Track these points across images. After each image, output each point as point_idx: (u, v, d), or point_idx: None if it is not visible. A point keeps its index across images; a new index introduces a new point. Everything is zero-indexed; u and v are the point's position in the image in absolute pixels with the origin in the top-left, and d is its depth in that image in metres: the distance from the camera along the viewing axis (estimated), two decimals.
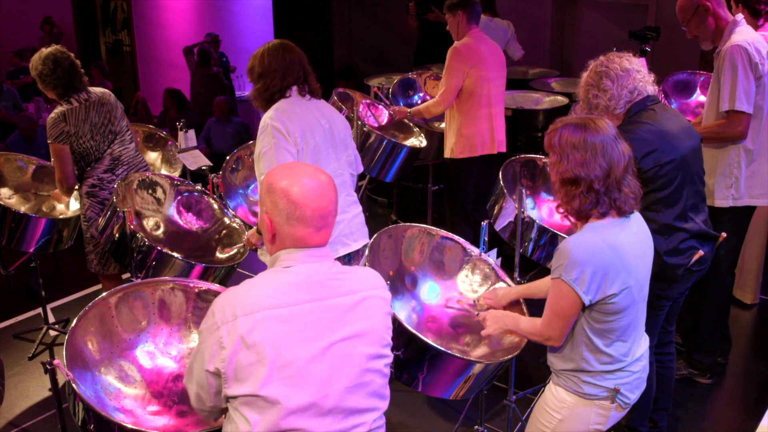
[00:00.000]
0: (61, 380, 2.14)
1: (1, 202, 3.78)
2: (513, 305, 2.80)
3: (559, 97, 5.42)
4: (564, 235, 3.15)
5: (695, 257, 2.79)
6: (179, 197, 3.63)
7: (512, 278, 3.00)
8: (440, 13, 4.77)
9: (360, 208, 3.18)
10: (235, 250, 3.42)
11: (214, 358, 1.68)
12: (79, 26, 10.54)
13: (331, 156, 3.00)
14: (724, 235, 2.87)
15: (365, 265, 2.56)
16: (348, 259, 3.09)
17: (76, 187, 3.68)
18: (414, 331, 2.40)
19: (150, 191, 3.54)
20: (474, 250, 2.97)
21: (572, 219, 2.28)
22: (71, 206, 4.08)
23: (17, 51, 9.00)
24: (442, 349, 2.42)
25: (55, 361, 2.08)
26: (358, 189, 3.33)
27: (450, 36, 4.55)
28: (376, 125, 5.01)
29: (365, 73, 7.16)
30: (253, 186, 4.05)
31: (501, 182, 3.40)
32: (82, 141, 3.54)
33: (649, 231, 2.33)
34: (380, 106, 5.21)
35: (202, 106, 8.01)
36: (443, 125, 4.78)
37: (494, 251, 2.97)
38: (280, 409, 1.66)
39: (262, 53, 2.97)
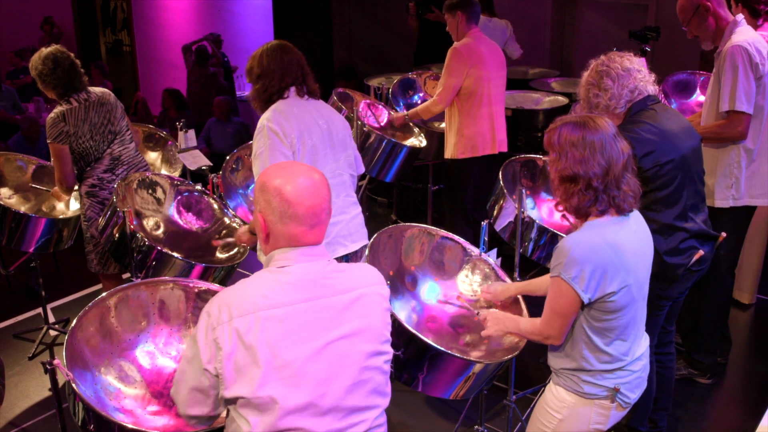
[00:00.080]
0: (61, 380, 2.14)
1: (1, 202, 3.78)
2: (512, 304, 2.80)
3: (559, 97, 5.41)
4: (564, 236, 3.15)
5: (695, 257, 2.79)
6: (179, 197, 3.62)
7: (512, 278, 3.00)
8: (440, 13, 4.77)
9: (359, 209, 3.18)
10: (231, 240, 3.38)
11: (214, 359, 1.67)
12: (79, 26, 10.54)
13: (329, 156, 3.00)
14: (723, 234, 2.87)
15: None
16: (346, 261, 3.09)
17: (76, 186, 3.68)
18: (414, 331, 2.40)
19: (150, 191, 3.54)
20: (474, 250, 2.97)
21: (571, 219, 2.29)
22: (71, 206, 4.08)
23: (17, 51, 9.01)
24: (442, 349, 2.42)
25: (55, 361, 2.08)
26: (357, 189, 3.33)
27: (450, 36, 4.55)
28: (376, 125, 5.01)
29: (365, 73, 7.16)
30: (252, 186, 4.04)
31: (501, 182, 3.40)
32: (81, 141, 3.54)
33: (649, 230, 2.33)
34: (380, 106, 5.21)
35: (199, 105, 8.01)
36: (443, 125, 4.77)
37: (494, 251, 2.97)
38: (278, 409, 1.66)
39: (260, 54, 2.97)
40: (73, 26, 10.51)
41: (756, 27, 3.66)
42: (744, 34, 3.37)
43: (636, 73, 2.66)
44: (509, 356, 2.54)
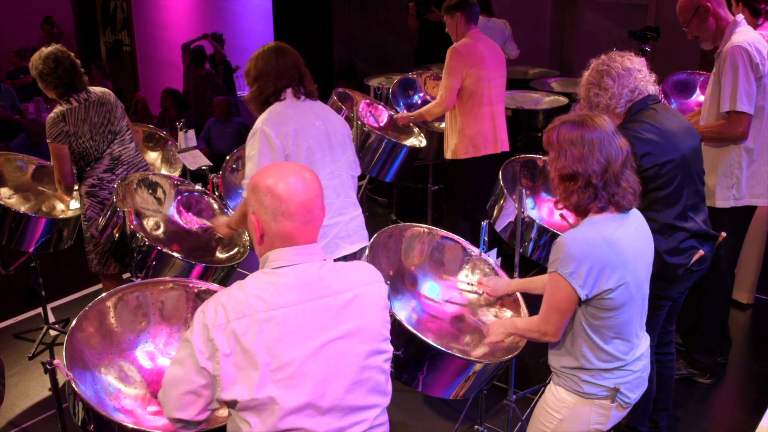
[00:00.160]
0: (61, 380, 2.14)
1: (1, 202, 3.77)
2: (511, 303, 2.80)
3: (559, 97, 5.42)
4: None
5: (695, 257, 2.79)
6: (179, 197, 3.62)
7: (512, 278, 3.00)
8: (440, 13, 4.77)
9: (359, 210, 3.17)
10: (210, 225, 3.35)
11: (212, 358, 1.67)
12: (79, 26, 10.54)
13: (327, 157, 2.99)
14: (723, 234, 2.87)
15: None
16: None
17: (76, 186, 3.68)
18: (414, 331, 2.40)
19: (150, 191, 3.53)
20: (474, 250, 2.97)
21: (570, 220, 2.29)
22: (71, 206, 4.08)
23: (17, 51, 9.01)
24: (443, 349, 2.42)
25: (55, 361, 2.08)
26: (357, 189, 3.32)
27: (450, 36, 4.55)
28: (376, 125, 5.01)
29: (365, 73, 7.16)
30: None
31: (501, 182, 3.40)
32: (81, 141, 3.54)
33: (649, 230, 2.33)
34: (380, 106, 5.22)
35: (193, 105, 8.01)
36: (443, 125, 4.78)
37: (494, 251, 2.97)
38: (278, 410, 1.66)
39: (256, 57, 2.97)
40: (73, 26, 10.51)
41: (756, 26, 3.66)
42: (744, 34, 3.37)
43: (636, 72, 2.67)
44: (509, 356, 2.54)
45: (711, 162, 3.44)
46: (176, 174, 4.34)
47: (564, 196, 2.22)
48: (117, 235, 3.20)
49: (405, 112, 5.21)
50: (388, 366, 1.85)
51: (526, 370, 3.91)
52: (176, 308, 2.51)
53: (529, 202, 3.55)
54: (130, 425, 2.07)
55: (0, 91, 7.79)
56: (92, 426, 2.06)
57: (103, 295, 2.41)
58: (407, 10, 6.83)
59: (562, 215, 2.56)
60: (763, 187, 3.54)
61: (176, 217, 3.58)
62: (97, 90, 3.67)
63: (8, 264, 4.73)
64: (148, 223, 3.46)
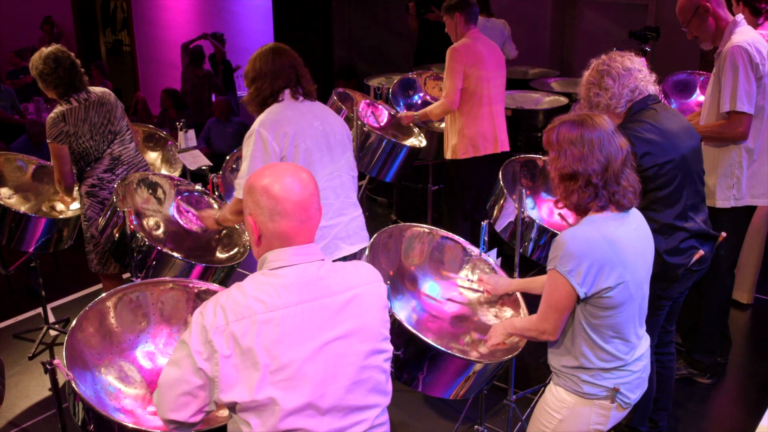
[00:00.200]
0: (61, 380, 2.14)
1: (1, 202, 3.77)
2: (512, 302, 2.80)
3: (559, 97, 5.42)
4: None
5: (695, 257, 2.79)
6: (179, 197, 3.62)
7: (512, 278, 3.00)
8: (440, 13, 4.77)
9: (359, 210, 3.16)
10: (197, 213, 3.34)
11: (210, 359, 1.66)
12: (79, 26, 10.54)
13: (325, 158, 2.98)
14: (723, 234, 2.87)
15: None
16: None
17: (76, 186, 3.68)
18: (414, 331, 2.40)
19: (150, 191, 3.53)
20: (474, 250, 2.97)
21: (570, 220, 2.29)
22: (71, 206, 4.08)
23: (17, 51, 9.01)
24: (443, 349, 2.42)
25: (55, 361, 2.08)
26: (357, 189, 3.32)
27: (450, 36, 4.56)
28: (376, 125, 5.01)
29: (365, 73, 7.16)
30: None
31: (501, 182, 3.40)
32: (81, 141, 3.54)
33: (649, 230, 2.33)
34: (380, 106, 5.21)
35: (191, 105, 8.01)
36: (443, 125, 4.78)
37: (494, 251, 2.97)
38: (278, 410, 1.65)
39: (254, 58, 2.97)
40: (73, 26, 10.51)
41: (756, 26, 3.66)
42: (744, 34, 3.37)
43: (637, 72, 2.67)
44: (509, 356, 2.54)
45: (711, 162, 3.44)
46: (176, 174, 4.34)
47: (564, 195, 2.22)
48: (117, 235, 3.20)
49: (404, 111, 5.21)
50: (388, 366, 1.85)
51: (526, 370, 3.91)
52: (176, 308, 2.51)
53: (529, 202, 3.55)
54: (130, 425, 2.07)
55: (0, 91, 7.79)
56: (92, 426, 2.06)
57: (103, 295, 2.41)
58: (407, 10, 6.83)
59: (561, 215, 2.56)
60: (764, 187, 3.54)
61: (176, 217, 3.58)
62: (97, 90, 3.67)
63: (8, 264, 4.73)
64: (148, 223, 3.46)
